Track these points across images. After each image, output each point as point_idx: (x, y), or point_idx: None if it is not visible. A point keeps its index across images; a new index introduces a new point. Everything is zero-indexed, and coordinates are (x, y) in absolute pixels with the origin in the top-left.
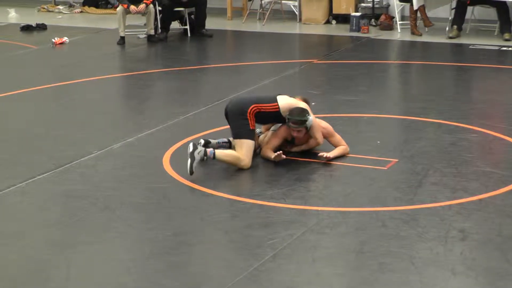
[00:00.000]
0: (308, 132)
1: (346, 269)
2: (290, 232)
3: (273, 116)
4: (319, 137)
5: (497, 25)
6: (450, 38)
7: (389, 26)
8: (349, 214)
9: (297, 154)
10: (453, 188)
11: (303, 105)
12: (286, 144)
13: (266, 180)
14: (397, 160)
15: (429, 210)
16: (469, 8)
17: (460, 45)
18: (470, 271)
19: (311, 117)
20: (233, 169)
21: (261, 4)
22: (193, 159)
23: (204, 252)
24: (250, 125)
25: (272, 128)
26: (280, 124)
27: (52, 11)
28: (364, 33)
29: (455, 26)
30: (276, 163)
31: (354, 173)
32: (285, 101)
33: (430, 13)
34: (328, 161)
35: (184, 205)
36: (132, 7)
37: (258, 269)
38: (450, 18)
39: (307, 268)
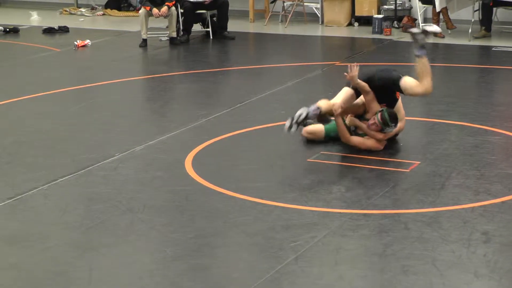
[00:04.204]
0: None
1: (369, 271)
2: (313, 235)
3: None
4: (380, 138)
5: None
6: (476, 38)
7: (412, 28)
8: (372, 217)
9: (319, 157)
10: (476, 190)
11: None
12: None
13: (288, 183)
14: (419, 162)
15: (452, 212)
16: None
17: (483, 47)
18: (493, 274)
19: (394, 129)
20: (255, 171)
21: (283, 7)
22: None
23: (226, 255)
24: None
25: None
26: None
27: (74, 14)
28: (387, 35)
29: (483, 27)
30: (298, 165)
31: (377, 175)
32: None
33: (452, 15)
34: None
35: (206, 208)
36: (155, 10)
37: (280, 271)
38: (472, 20)
39: (329, 270)
